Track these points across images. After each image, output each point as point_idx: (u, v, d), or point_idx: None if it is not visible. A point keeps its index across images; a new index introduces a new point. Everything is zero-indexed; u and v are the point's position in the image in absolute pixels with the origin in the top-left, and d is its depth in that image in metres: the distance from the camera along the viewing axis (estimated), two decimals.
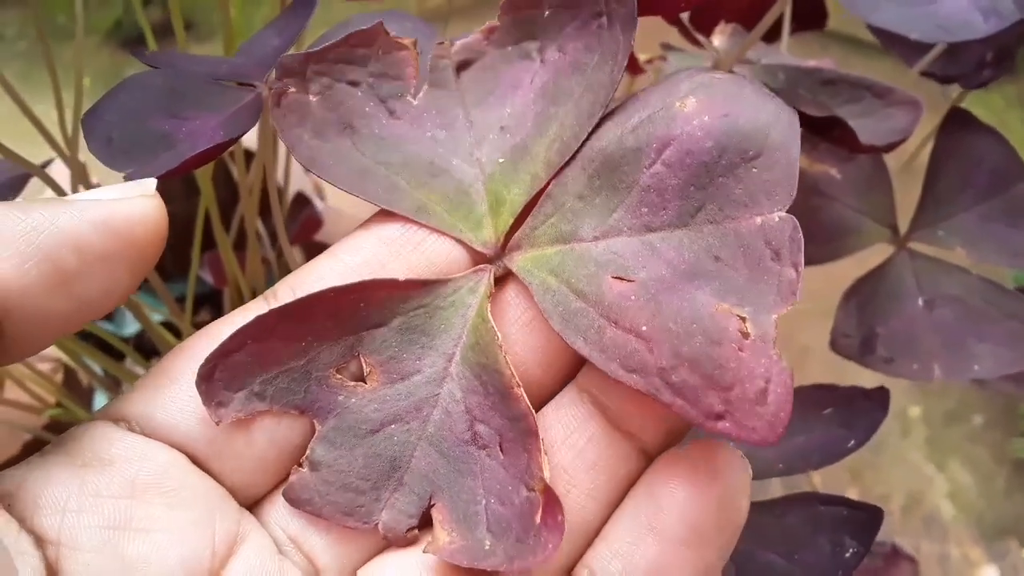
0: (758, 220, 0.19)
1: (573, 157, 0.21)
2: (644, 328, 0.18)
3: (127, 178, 0.20)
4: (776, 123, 0.19)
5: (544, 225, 0.21)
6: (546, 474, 0.18)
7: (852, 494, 0.93)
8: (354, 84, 0.21)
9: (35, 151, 0.36)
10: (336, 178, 0.21)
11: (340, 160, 0.21)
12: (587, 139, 0.20)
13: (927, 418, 1.01)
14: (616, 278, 0.19)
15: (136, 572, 0.17)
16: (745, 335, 0.17)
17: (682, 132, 0.19)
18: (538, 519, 0.18)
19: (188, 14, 1.57)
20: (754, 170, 0.19)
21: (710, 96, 0.20)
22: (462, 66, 0.22)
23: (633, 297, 0.19)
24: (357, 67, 0.21)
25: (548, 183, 0.21)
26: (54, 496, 0.17)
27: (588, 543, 0.19)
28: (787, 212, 0.19)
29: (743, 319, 0.18)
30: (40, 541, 0.17)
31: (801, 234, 0.18)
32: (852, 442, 0.28)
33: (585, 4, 0.21)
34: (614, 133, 0.20)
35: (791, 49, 0.37)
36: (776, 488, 0.51)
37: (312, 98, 0.21)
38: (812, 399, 0.30)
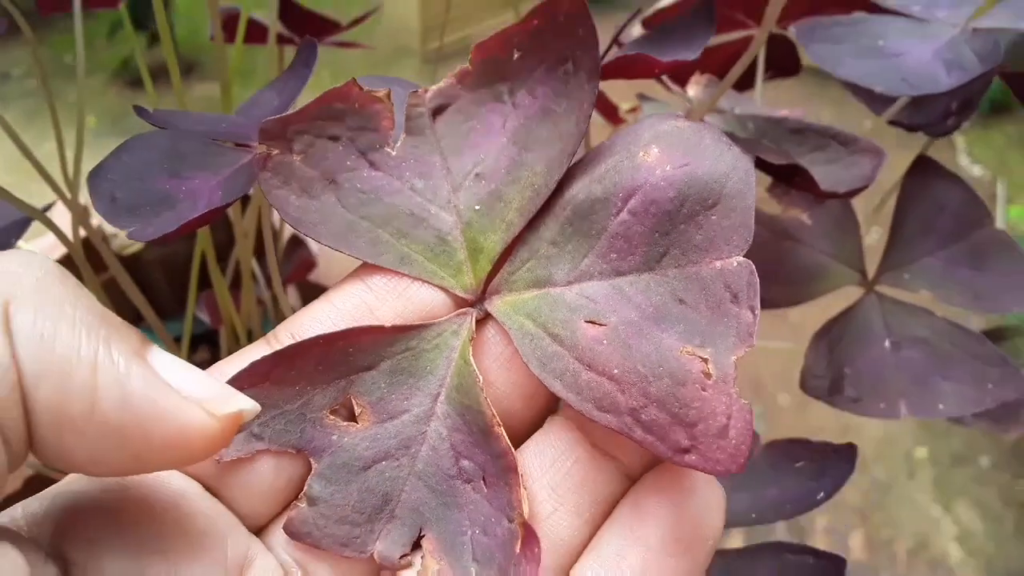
0: (718, 264, 0.20)
1: (546, 205, 0.22)
2: (615, 371, 0.19)
3: (130, 236, 0.21)
4: (733, 172, 0.20)
5: (520, 270, 0.22)
6: (525, 508, 0.19)
7: (859, 537, 0.92)
8: (334, 139, 0.22)
9: (40, 189, 0.37)
10: (323, 236, 0.22)
11: (326, 217, 0.22)
12: (558, 187, 0.22)
13: (934, 459, 1.01)
14: (589, 322, 0.20)
15: None
16: (708, 376, 0.19)
17: (646, 182, 0.21)
18: (518, 549, 0.19)
19: (193, 55, 1.60)
20: (713, 217, 0.20)
21: (671, 146, 0.21)
22: (437, 111, 0.23)
23: (605, 342, 0.20)
24: (335, 122, 0.22)
25: (523, 230, 0.22)
26: (78, 521, 0.18)
27: (574, 558, 0.21)
28: (746, 256, 0.20)
29: (705, 361, 0.19)
30: (66, 565, 0.17)
31: (757, 278, 0.19)
32: (821, 494, 0.29)
33: (551, 50, 0.22)
34: (583, 182, 0.21)
35: (769, 93, 0.38)
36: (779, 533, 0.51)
37: (296, 157, 0.22)
38: (785, 452, 0.31)
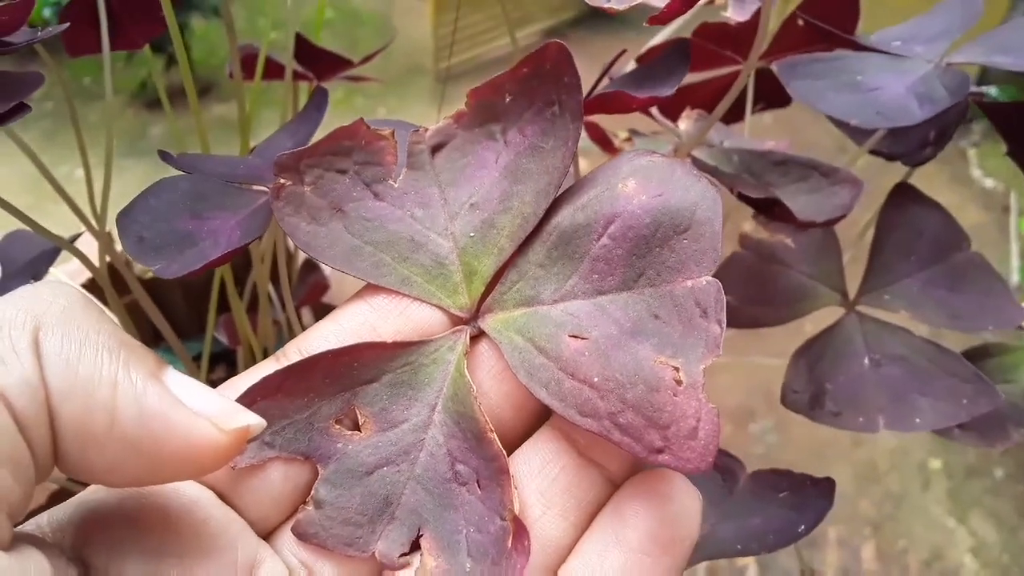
0: (689, 283, 0.22)
1: (534, 231, 0.24)
2: (595, 379, 0.21)
3: (156, 273, 0.23)
4: (702, 201, 0.22)
5: (511, 291, 0.24)
6: (516, 506, 0.21)
7: (871, 548, 0.93)
8: (342, 172, 0.24)
9: (57, 209, 0.38)
10: (330, 259, 0.24)
11: (333, 242, 0.24)
12: (545, 215, 0.24)
13: (948, 471, 1.01)
14: (572, 336, 0.22)
15: None
16: (679, 383, 0.21)
17: (624, 210, 0.23)
18: (509, 544, 0.21)
19: (210, 76, 1.62)
20: (684, 241, 0.22)
21: (647, 178, 0.23)
22: (436, 148, 0.25)
23: (586, 353, 0.22)
24: (343, 157, 0.24)
25: (513, 254, 0.24)
26: (100, 528, 0.20)
27: (561, 559, 0.22)
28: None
29: (677, 369, 0.21)
30: (87, 569, 0.19)
31: (723, 295, 0.21)
32: (802, 527, 0.30)
33: (539, 94, 0.24)
34: (567, 210, 0.23)
35: (767, 122, 0.40)
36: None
37: (306, 188, 0.24)
38: (769, 483, 0.33)
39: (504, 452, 0.22)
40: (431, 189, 0.25)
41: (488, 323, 0.24)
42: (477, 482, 0.22)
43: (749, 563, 0.89)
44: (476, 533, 0.22)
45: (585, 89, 0.31)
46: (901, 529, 0.97)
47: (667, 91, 0.26)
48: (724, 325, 0.21)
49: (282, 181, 0.24)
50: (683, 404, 0.20)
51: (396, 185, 0.25)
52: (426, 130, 0.25)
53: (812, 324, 0.36)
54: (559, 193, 0.24)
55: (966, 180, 1.52)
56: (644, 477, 0.23)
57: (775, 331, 0.36)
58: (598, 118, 0.41)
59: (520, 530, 0.21)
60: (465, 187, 0.25)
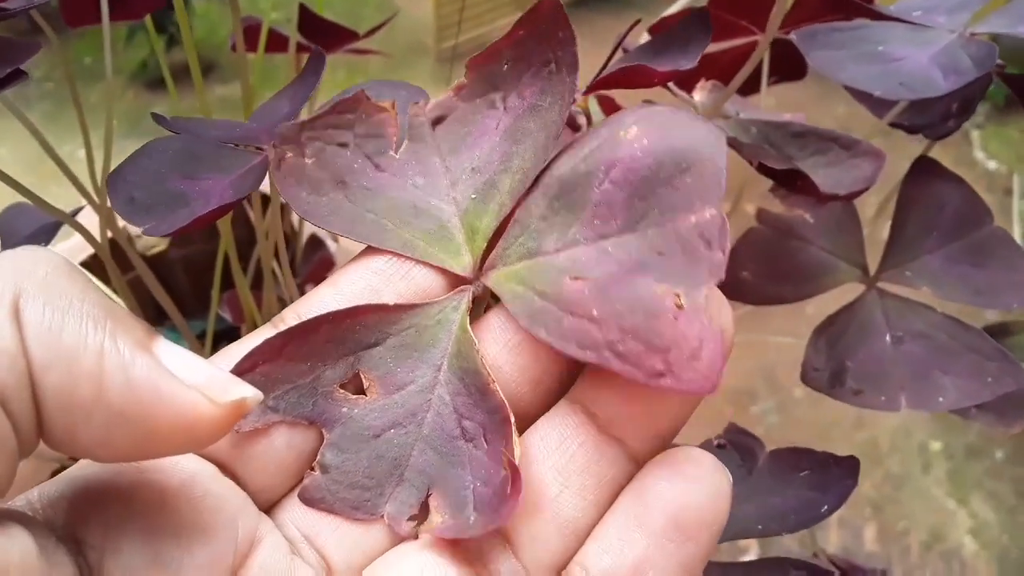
0: (693, 219, 0.21)
1: (534, 185, 0.23)
2: (595, 313, 0.21)
3: (145, 232, 0.22)
4: (705, 139, 0.21)
5: (513, 245, 0.23)
6: (517, 453, 0.20)
7: (872, 529, 0.93)
8: (343, 145, 0.24)
9: (58, 190, 0.37)
10: (331, 225, 0.24)
11: (334, 211, 0.24)
12: (547, 169, 0.23)
13: (948, 452, 1.01)
14: (573, 279, 0.22)
15: (169, 571, 0.19)
16: (680, 307, 0.20)
17: (626, 154, 0.22)
18: (508, 490, 0.20)
19: (211, 56, 1.61)
20: (688, 179, 0.21)
21: (649, 124, 0.22)
22: (436, 121, 0.25)
23: (586, 291, 0.21)
24: (345, 130, 0.24)
25: (514, 210, 0.23)
26: (94, 504, 0.19)
27: (579, 541, 0.22)
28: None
29: (678, 296, 0.20)
30: (81, 547, 0.18)
31: (728, 225, 0.20)
32: (825, 507, 0.29)
33: (536, 54, 0.24)
34: (569, 162, 0.23)
35: (780, 94, 0.39)
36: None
37: (307, 160, 0.24)
38: (789, 461, 0.32)
39: (506, 402, 0.21)
40: (432, 158, 0.25)
41: (491, 279, 0.23)
42: (484, 437, 0.22)
43: (751, 542, 0.89)
44: (482, 487, 0.21)
45: (596, 65, 0.30)
46: (902, 511, 0.97)
47: (689, 63, 0.26)
48: (727, 252, 0.20)
49: (283, 152, 0.23)
50: (684, 327, 0.20)
51: (397, 156, 0.24)
52: (426, 103, 0.25)
53: (814, 305, 0.36)
54: (562, 148, 0.23)
55: (969, 162, 1.51)
56: (669, 456, 0.21)
57: (775, 309, 0.35)
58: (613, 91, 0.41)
59: (515, 473, 0.20)
60: (466, 155, 0.25)
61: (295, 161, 0.24)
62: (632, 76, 0.26)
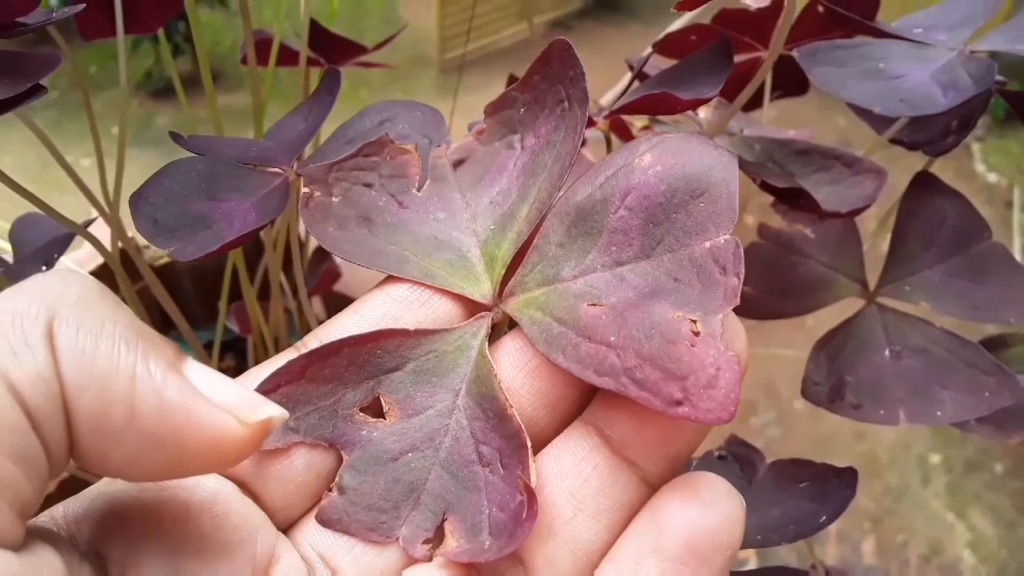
0: (707, 244, 0.22)
1: (551, 212, 0.24)
2: (612, 339, 0.21)
3: (171, 256, 0.23)
4: (718, 165, 0.22)
5: (532, 272, 0.24)
6: (533, 479, 0.21)
7: (871, 542, 0.93)
8: (368, 185, 0.25)
9: (62, 200, 0.37)
10: (355, 258, 0.24)
11: (358, 245, 0.25)
12: (563, 196, 0.24)
13: (948, 466, 1.01)
14: (591, 305, 0.22)
15: None
16: (696, 334, 0.20)
17: (640, 181, 0.23)
18: (524, 515, 0.21)
19: (216, 66, 1.62)
20: (701, 204, 0.22)
21: (663, 150, 0.23)
22: (457, 163, 0.26)
23: (604, 317, 0.22)
24: (370, 171, 0.25)
25: (532, 236, 0.24)
26: (118, 522, 0.19)
27: (593, 564, 0.22)
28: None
29: (694, 322, 0.21)
30: (104, 564, 0.19)
31: (742, 250, 0.21)
32: (824, 518, 0.29)
33: (550, 95, 0.25)
34: (586, 190, 0.23)
35: (783, 108, 0.40)
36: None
37: (334, 199, 0.25)
38: (789, 473, 0.32)
39: (523, 427, 0.22)
40: (453, 195, 0.26)
41: (510, 306, 0.24)
42: (500, 462, 0.22)
43: (749, 552, 0.89)
44: (498, 512, 0.22)
45: (601, 77, 0.31)
46: (901, 523, 0.97)
47: (712, 91, 0.26)
48: (742, 277, 0.21)
49: (311, 191, 0.24)
50: (701, 354, 0.20)
51: (420, 194, 0.26)
52: (447, 147, 0.26)
53: (814, 318, 0.36)
54: (578, 176, 0.24)
55: (970, 174, 1.52)
56: (684, 480, 0.21)
57: (776, 322, 0.35)
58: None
59: (531, 497, 0.21)
60: (486, 190, 0.26)
61: (322, 200, 0.25)
62: (657, 103, 0.27)
